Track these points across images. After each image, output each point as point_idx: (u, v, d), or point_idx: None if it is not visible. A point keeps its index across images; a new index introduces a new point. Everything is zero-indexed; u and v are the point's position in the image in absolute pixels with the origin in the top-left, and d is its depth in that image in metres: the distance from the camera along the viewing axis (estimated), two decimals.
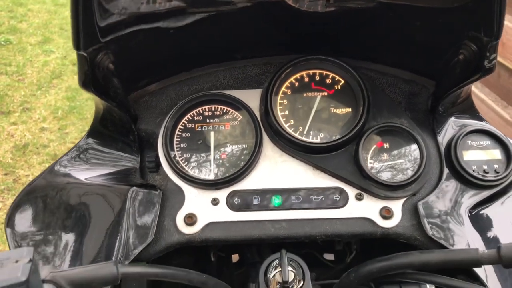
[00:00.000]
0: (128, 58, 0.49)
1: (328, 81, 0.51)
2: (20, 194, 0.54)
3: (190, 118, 0.52)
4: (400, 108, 0.51)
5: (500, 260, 0.37)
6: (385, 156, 0.49)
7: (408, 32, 0.49)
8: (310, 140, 0.50)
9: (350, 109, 0.50)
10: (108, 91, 0.49)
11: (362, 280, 0.41)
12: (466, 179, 0.49)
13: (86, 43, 0.45)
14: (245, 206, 0.48)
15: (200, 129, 0.51)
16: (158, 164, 0.51)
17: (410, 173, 0.49)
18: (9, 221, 0.51)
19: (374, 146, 0.49)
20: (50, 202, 0.50)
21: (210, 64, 0.53)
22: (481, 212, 0.49)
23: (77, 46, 0.45)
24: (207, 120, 0.51)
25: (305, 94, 0.51)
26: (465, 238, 0.46)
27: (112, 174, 0.52)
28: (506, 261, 0.37)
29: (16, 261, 0.37)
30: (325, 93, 0.51)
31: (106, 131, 0.55)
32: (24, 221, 0.50)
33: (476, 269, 0.46)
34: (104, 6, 0.44)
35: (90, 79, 0.46)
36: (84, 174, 0.53)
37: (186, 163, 0.49)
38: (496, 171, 0.50)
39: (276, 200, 0.48)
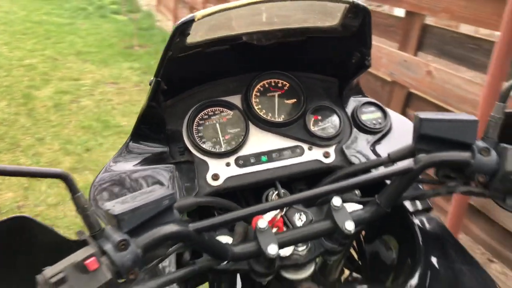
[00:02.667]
0: (174, 77, 0.71)
1: (280, 85, 0.83)
2: (91, 189, 0.71)
3: (200, 117, 0.79)
4: (323, 96, 0.85)
5: (389, 159, 0.65)
6: (320, 123, 0.82)
7: (324, 52, 0.82)
8: (277, 120, 0.80)
9: (295, 100, 0.83)
10: (158, 101, 0.73)
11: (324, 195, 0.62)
12: (365, 130, 0.82)
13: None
14: (247, 164, 0.76)
15: (208, 123, 0.79)
16: (186, 149, 0.76)
17: (337, 129, 0.81)
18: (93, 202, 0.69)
19: (313, 118, 0.81)
20: (116, 185, 0.70)
21: (206, 82, 0.81)
22: (376, 146, 0.82)
23: (156, 75, 0.67)
24: (212, 117, 0.79)
25: (268, 95, 0.82)
26: (372, 158, 0.78)
27: (152, 160, 0.76)
28: (392, 159, 0.64)
29: None
30: (280, 92, 0.83)
31: (145, 132, 0.78)
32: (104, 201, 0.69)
33: None
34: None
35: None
36: (134, 162, 0.75)
37: (204, 144, 0.76)
38: (380, 123, 0.84)
39: (264, 158, 0.77)
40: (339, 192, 0.59)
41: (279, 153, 0.78)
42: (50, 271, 0.42)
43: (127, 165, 0.73)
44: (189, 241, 0.51)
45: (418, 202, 0.72)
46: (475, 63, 1.67)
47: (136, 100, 3.67)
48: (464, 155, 0.57)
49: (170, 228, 0.48)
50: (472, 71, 1.74)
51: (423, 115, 0.60)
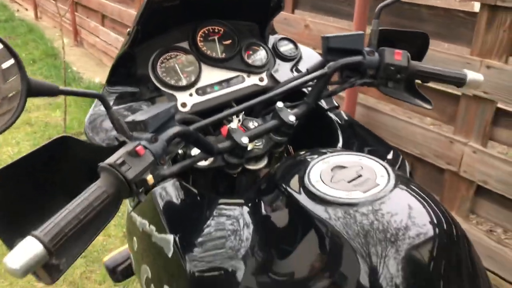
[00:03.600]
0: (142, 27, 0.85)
1: (217, 30, 1.01)
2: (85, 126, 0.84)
3: (161, 61, 0.93)
4: (251, 36, 1.03)
5: (308, 72, 0.89)
6: (252, 56, 1.01)
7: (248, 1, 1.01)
8: (220, 57, 0.98)
9: (231, 40, 1.00)
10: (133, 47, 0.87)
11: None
12: (284, 58, 1.04)
13: None
14: (205, 93, 0.93)
15: (168, 65, 0.93)
16: (155, 88, 0.92)
17: (265, 60, 1.01)
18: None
19: (246, 53, 1.00)
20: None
21: (162, 32, 0.96)
22: (294, 69, 1.03)
23: (137, 24, 0.82)
24: (170, 60, 0.94)
25: (209, 38, 0.99)
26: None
27: (128, 100, 0.90)
28: (310, 71, 0.87)
29: None
30: (218, 36, 1.00)
31: (117, 78, 0.91)
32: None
33: None
34: None
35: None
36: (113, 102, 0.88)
37: (169, 81, 0.92)
38: (294, 52, 1.06)
39: (216, 87, 0.95)
40: (278, 98, 0.82)
41: (226, 82, 0.97)
42: (111, 159, 0.59)
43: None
44: (191, 137, 0.70)
45: (331, 100, 0.98)
46: (344, 13, 2.03)
47: None
48: (358, 58, 0.85)
49: (179, 128, 0.67)
50: (342, 20, 2.10)
51: (328, 35, 0.86)
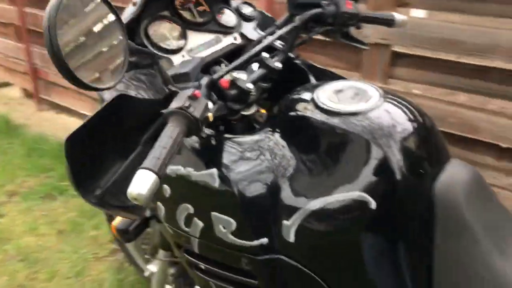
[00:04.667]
0: None
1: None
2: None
3: (152, 28, 0.98)
4: (219, 2, 1.11)
5: (277, 27, 1.08)
6: (224, 18, 1.10)
7: None
8: (199, 21, 1.07)
9: (204, 7, 1.07)
10: None
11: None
12: (247, 19, 1.15)
13: None
14: (194, 53, 1.00)
15: (159, 33, 0.99)
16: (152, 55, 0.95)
17: (236, 21, 1.11)
18: None
19: (218, 16, 1.09)
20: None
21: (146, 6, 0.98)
22: (258, 27, 1.15)
23: None
24: (159, 29, 0.99)
25: (185, 6, 1.06)
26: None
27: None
28: (279, 26, 1.04)
29: None
30: (192, 2, 1.06)
31: None
32: None
33: None
34: None
35: None
36: None
37: (164, 46, 0.97)
38: (254, 13, 1.17)
39: (201, 48, 1.03)
40: (261, 51, 0.98)
41: (208, 43, 1.07)
42: (177, 104, 0.70)
43: None
44: (214, 87, 0.83)
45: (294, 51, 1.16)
46: None
47: None
48: (319, 9, 1.03)
49: (211, 76, 0.80)
50: None
51: None
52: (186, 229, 0.91)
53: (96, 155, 0.74)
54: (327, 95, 0.85)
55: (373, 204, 0.74)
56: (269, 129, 0.88)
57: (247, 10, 1.19)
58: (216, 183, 0.83)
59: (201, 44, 1.06)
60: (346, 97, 0.84)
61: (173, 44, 1.01)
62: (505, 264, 0.74)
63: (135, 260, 1.84)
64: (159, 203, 0.95)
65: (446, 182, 0.76)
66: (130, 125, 0.77)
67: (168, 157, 0.64)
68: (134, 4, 0.93)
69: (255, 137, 0.87)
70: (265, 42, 0.97)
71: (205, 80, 0.78)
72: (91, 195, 0.73)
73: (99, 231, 2.18)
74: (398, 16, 1.12)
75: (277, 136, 0.86)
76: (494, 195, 0.82)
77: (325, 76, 1.11)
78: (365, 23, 1.12)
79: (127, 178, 0.68)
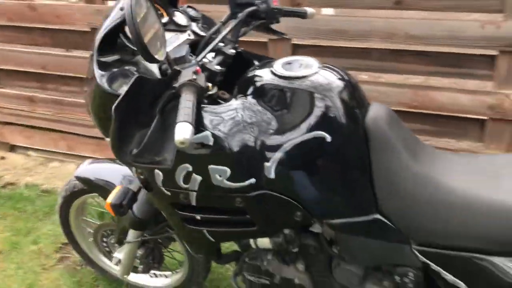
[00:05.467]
0: None
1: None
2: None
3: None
4: (169, 5, 1.29)
5: (222, 23, 1.27)
6: (178, 19, 1.30)
7: None
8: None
9: (162, 11, 1.26)
10: None
11: None
12: (193, 19, 1.37)
13: None
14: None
15: None
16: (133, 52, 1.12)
17: (186, 21, 1.33)
18: None
19: (171, 18, 1.28)
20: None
21: None
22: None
23: None
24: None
25: None
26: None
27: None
28: (224, 22, 1.24)
29: None
30: None
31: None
32: None
33: None
34: None
35: None
36: None
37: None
38: (197, 14, 1.40)
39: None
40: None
41: (171, 39, 1.23)
42: (185, 78, 0.93)
43: None
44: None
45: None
46: None
47: None
48: (254, 7, 1.32)
49: (196, 61, 1.04)
50: None
51: None
52: (185, 185, 1.13)
53: (128, 125, 0.93)
54: (281, 66, 1.14)
55: (328, 138, 1.05)
56: (241, 96, 1.14)
57: (192, 12, 1.42)
58: (211, 142, 1.07)
59: (167, 40, 1.27)
60: (295, 67, 1.14)
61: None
62: (417, 166, 1.09)
63: (91, 259, 1.94)
64: (157, 171, 1.15)
65: (372, 116, 1.10)
66: (145, 100, 0.97)
67: (193, 113, 0.87)
68: (122, 9, 1.11)
69: (233, 104, 1.12)
70: (223, 33, 1.23)
71: (199, 58, 1.01)
72: (128, 156, 0.92)
73: (39, 245, 2.20)
74: (309, 9, 1.46)
75: (249, 100, 1.12)
76: (402, 122, 1.18)
77: (264, 59, 1.39)
78: (286, 17, 1.43)
79: (155, 140, 0.90)
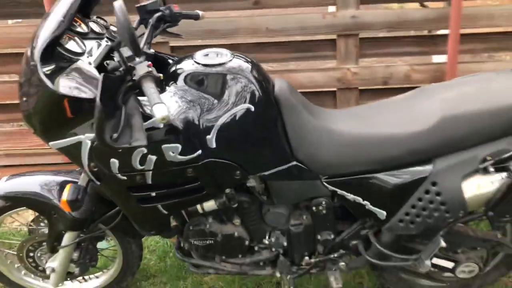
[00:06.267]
0: None
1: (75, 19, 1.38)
2: None
3: (63, 40, 1.33)
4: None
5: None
6: (95, 28, 1.48)
7: None
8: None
9: (83, 23, 1.44)
10: None
11: None
12: (104, 28, 1.53)
13: None
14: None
15: (69, 42, 1.34)
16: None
17: (101, 29, 1.53)
18: None
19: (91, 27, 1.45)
20: None
21: None
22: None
23: None
24: (67, 39, 1.34)
25: (75, 24, 1.38)
26: None
27: None
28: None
29: None
30: (79, 23, 1.38)
31: None
32: None
33: None
34: None
35: None
36: None
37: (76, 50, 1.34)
38: (106, 23, 1.56)
39: None
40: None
41: (95, 46, 1.41)
42: (141, 72, 1.13)
43: None
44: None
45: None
46: None
47: None
48: (160, 13, 1.54)
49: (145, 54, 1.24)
50: None
51: (140, 4, 1.51)
52: (141, 167, 1.31)
53: (106, 114, 1.08)
54: (202, 57, 1.40)
55: (252, 108, 1.36)
56: (174, 83, 1.36)
57: (101, 21, 1.57)
58: (161, 124, 1.28)
59: (92, 47, 1.40)
60: (212, 57, 1.41)
61: (80, 48, 1.35)
62: (315, 121, 1.47)
63: (12, 281, 1.90)
64: (112, 160, 1.30)
65: (278, 88, 1.44)
66: (107, 94, 1.13)
67: (159, 95, 1.09)
68: (62, 21, 1.22)
69: (171, 90, 1.34)
70: (146, 35, 1.42)
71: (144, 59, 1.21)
72: (110, 141, 1.08)
73: None
74: (201, 12, 1.73)
75: (183, 86, 1.35)
76: (297, 91, 1.54)
77: (175, 57, 1.62)
78: (185, 19, 1.68)
79: (126, 125, 1.09)
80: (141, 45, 1.36)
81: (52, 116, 1.25)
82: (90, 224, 1.66)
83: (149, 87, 1.10)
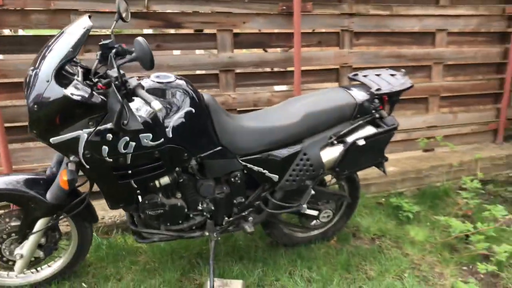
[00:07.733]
0: None
1: None
2: None
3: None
4: None
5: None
6: None
7: None
8: None
9: None
10: None
11: None
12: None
13: None
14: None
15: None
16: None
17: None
18: None
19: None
20: None
21: None
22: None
23: None
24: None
25: None
26: None
27: None
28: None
29: None
30: None
31: None
32: None
33: None
34: None
35: None
36: None
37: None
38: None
39: None
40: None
41: (75, 70, 1.96)
42: (134, 82, 1.77)
43: None
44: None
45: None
46: None
47: None
48: (115, 48, 2.15)
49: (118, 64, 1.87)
50: None
51: (103, 42, 2.10)
52: (124, 151, 1.90)
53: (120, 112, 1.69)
54: (156, 78, 2.07)
55: (193, 110, 2.07)
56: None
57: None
58: (140, 125, 1.91)
59: (78, 71, 1.94)
60: (163, 77, 2.09)
61: (74, 71, 1.89)
62: (230, 119, 2.24)
63: None
64: (104, 146, 1.85)
65: (206, 98, 2.17)
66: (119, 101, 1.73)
67: (150, 96, 1.75)
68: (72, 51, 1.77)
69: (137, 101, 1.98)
70: (119, 62, 2.02)
71: (118, 63, 1.83)
72: (122, 127, 1.68)
73: None
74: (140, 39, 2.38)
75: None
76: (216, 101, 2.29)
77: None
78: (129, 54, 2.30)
79: (132, 117, 1.73)
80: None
81: (60, 117, 1.77)
82: (59, 211, 2.10)
83: (143, 92, 1.75)
